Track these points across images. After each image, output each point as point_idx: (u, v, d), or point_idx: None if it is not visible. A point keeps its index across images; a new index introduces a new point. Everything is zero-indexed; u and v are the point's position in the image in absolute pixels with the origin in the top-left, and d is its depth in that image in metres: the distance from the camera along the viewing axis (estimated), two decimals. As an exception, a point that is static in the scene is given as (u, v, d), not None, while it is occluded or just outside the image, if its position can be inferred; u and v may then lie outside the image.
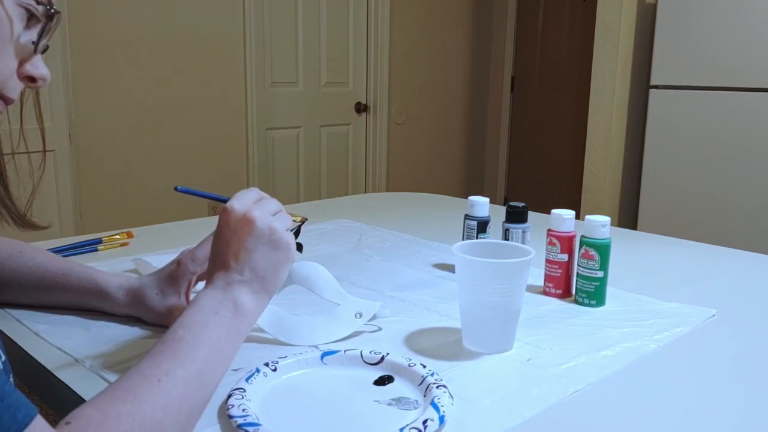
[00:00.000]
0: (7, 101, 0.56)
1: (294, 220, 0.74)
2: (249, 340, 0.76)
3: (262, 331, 0.76)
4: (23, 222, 0.65)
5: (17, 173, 0.65)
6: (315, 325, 0.77)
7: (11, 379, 0.59)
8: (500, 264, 0.71)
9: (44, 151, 0.73)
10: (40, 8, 0.54)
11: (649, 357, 0.74)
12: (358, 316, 0.78)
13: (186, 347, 0.55)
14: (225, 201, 0.66)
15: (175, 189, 0.72)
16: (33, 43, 0.55)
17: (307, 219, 0.86)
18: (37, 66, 0.57)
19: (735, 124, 2.86)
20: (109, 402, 0.48)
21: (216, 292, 0.62)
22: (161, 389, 0.51)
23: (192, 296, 0.81)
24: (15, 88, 0.56)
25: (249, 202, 0.65)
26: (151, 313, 0.78)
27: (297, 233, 0.84)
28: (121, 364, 0.69)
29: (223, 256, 0.63)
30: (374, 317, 0.82)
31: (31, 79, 0.57)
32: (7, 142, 0.63)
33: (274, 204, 0.67)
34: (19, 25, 0.53)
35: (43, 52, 0.59)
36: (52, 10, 0.55)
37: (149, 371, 0.52)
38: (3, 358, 0.53)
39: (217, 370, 0.57)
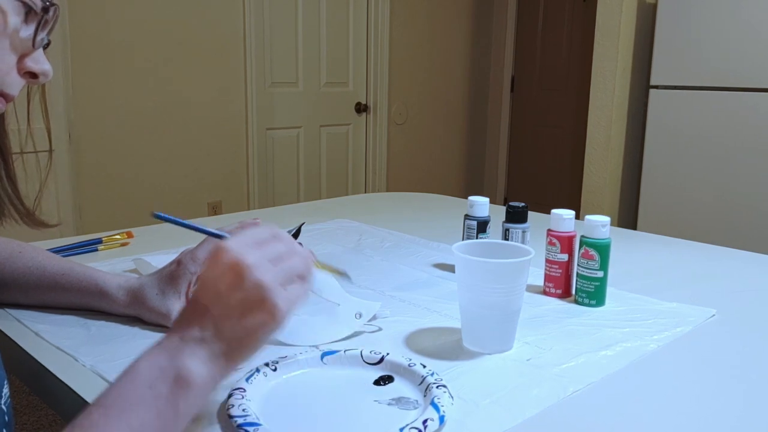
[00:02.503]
0: (7, 98, 0.55)
1: (321, 269, 0.64)
2: (249, 340, 0.76)
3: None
4: (32, 220, 0.64)
5: (25, 171, 0.64)
6: (315, 325, 0.77)
7: (6, 387, 0.57)
8: (500, 264, 0.71)
9: (50, 150, 0.73)
10: (38, 1, 0.53)
11: (649, 357, 0.74)
12: (358, 316, 0.79)
13: None
14: (220, 237, 0.56)
15: (153, 215, 0.60)
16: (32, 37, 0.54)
17: (347, 274, 0.70)
18: (39, 61, 0.56)
19: (735, 124, 2.86)
20: None
21: (161, 355, 0.49)
22: None
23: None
24: (14, 84, 0.55)
25: (249, 242, 0.52)
26: (152, 313, 0.78)
27: (296, 234, 0.84)
28: (120, 363, 0.69)
29: (194, 303, 0.52)
30: (374, 317, 0.82)
31: (32, 75, 0.56)
32: (15, 141, 0.62)
33: (281, 247, 0.54)
34: (15, 18, 0.52)
35: (46, 47, 0.57)
36: (48, 3, 0.54)
37: None
38: None
39: None
